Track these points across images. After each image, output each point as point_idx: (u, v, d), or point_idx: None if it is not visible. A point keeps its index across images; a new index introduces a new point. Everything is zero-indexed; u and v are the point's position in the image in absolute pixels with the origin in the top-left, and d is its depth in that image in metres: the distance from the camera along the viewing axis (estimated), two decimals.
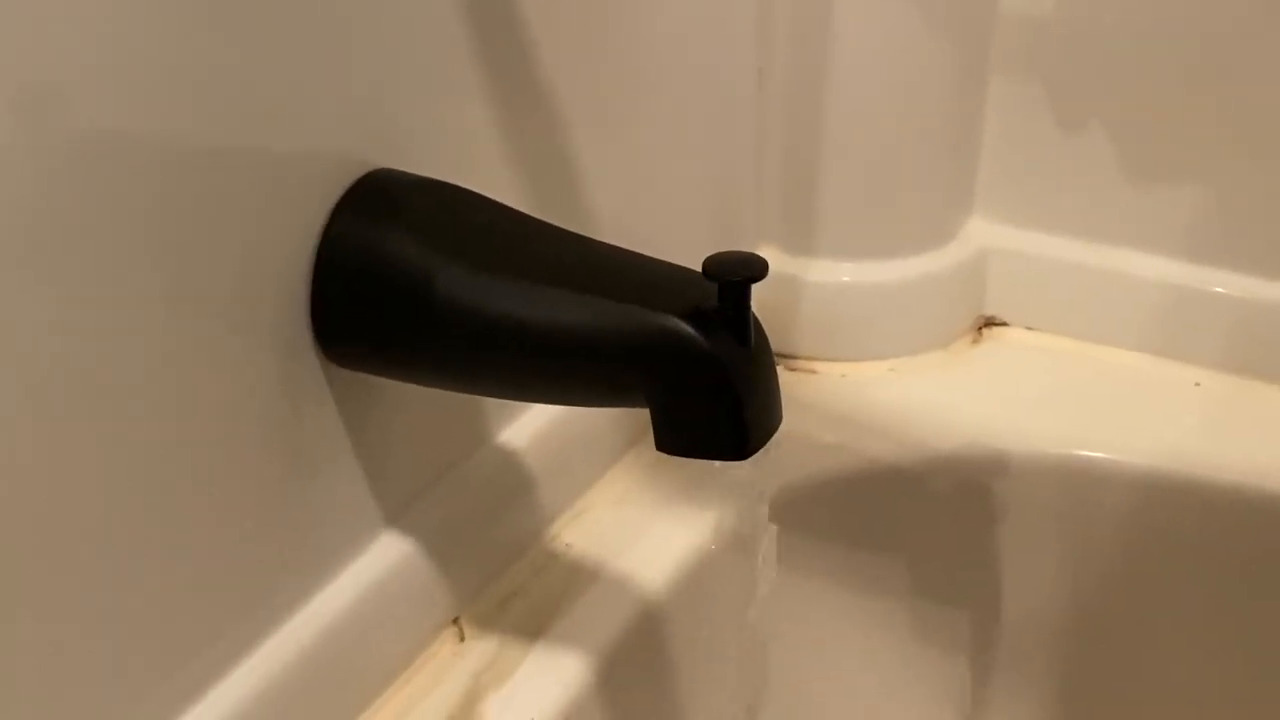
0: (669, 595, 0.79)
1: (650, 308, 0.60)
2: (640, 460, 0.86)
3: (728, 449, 0.61)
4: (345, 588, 0.68)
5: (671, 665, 0.80)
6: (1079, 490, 0.90)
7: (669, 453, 0.62)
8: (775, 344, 0.64)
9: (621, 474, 0.86)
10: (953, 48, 0.94)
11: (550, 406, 0.78)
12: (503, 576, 0.78)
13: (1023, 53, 0.94)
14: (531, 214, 0.66)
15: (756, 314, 0.61)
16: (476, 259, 0.62)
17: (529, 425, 0.79)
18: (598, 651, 0.74)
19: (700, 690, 0.82)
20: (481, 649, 0.74)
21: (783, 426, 0.63)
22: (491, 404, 0.76)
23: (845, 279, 0.96)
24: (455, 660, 0.73)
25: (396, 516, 0.71)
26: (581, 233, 0.65)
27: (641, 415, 0.62)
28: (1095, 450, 0.90)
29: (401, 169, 0.65)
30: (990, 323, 1.00)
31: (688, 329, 0.59)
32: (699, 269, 0.60)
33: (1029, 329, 1.00)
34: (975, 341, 0.99)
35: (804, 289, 0.96)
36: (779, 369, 0.64)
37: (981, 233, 0.99)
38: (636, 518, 0.83)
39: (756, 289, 0.60)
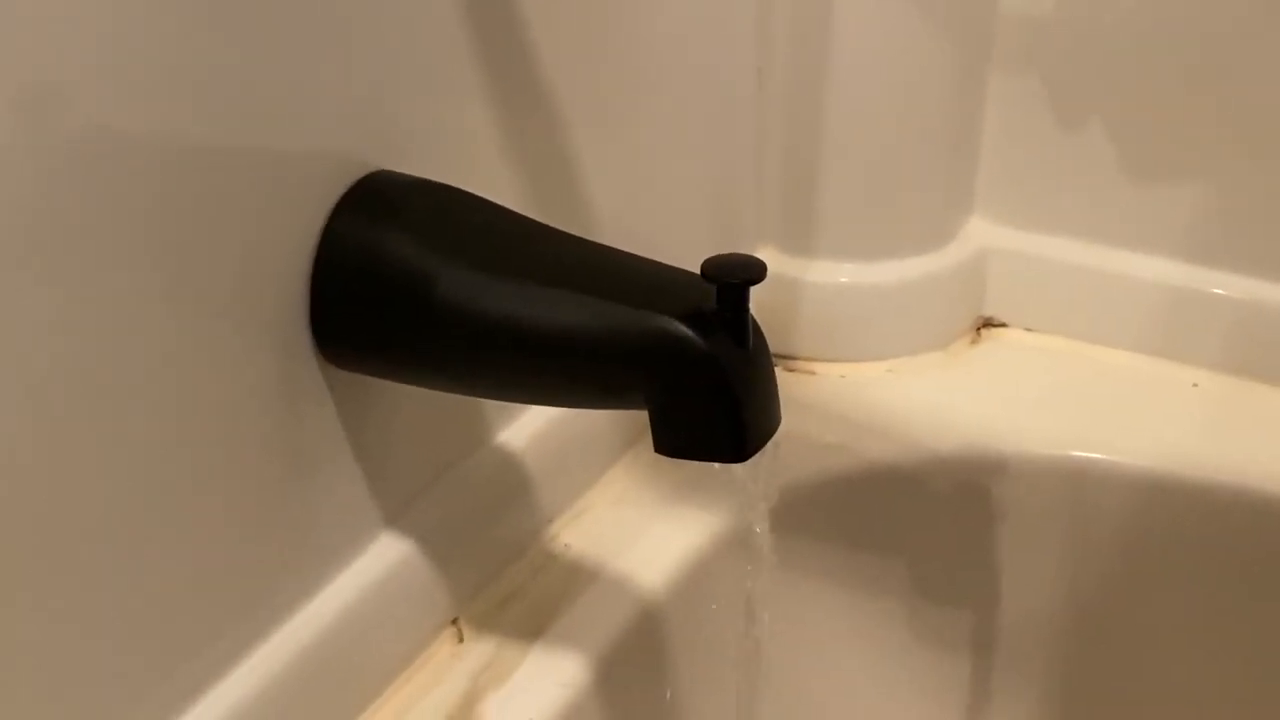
0: (668, 596, 0.79)
1: (649, 309, 0.60)
2: (639, 461, 0.86)
3: (726, 451, 0.61)
4: (344, 588, 0.68)
5: (670, 666, 0.80)
6: (1078, 491, 0.90)
7: (667, 454, 0.62)
8: (774, 345, 0.64)
9: (620, 474, 0.86)
10: (952, 48, 0.94)
11: (549, 407, 0.78)
12: (501, 577, 0.78)
13: (1022, 53, 0.94)
14: (531, 215, 0.66)
15: (755, 315, 0.61)
16: (475, 260, 0.62)
17: (528, 426, 0.79)
18: (596, 652, 0.74)
19: (699, 690, 0.82)
20: (480, 649, 0.74)
21: (782, 427, 0.63)
22: (490, 405, 0.76)
23: (844, 279, 0.96)
24: (454, 661, 0.73)
25: (395, 517, 0.71)
26: (581, 234, 0.65)
27: (640, 416, 0.62)
28: (1094, 451, 0.90)
29: (401, 170, 0.65)
30: (989, 323, 1.00)
31: (686, 331, 0.59)
32: (698, 270, 0.60)
33: (1028, 330, 1.00)
34: (974, 342, 0.99)
35: (803, 290, 0.96)
36: (778, 370, 0.64)
37: (981, 233, 0.99)
38: (635, 518, 0.83)
39: (755, 290, 0.60)
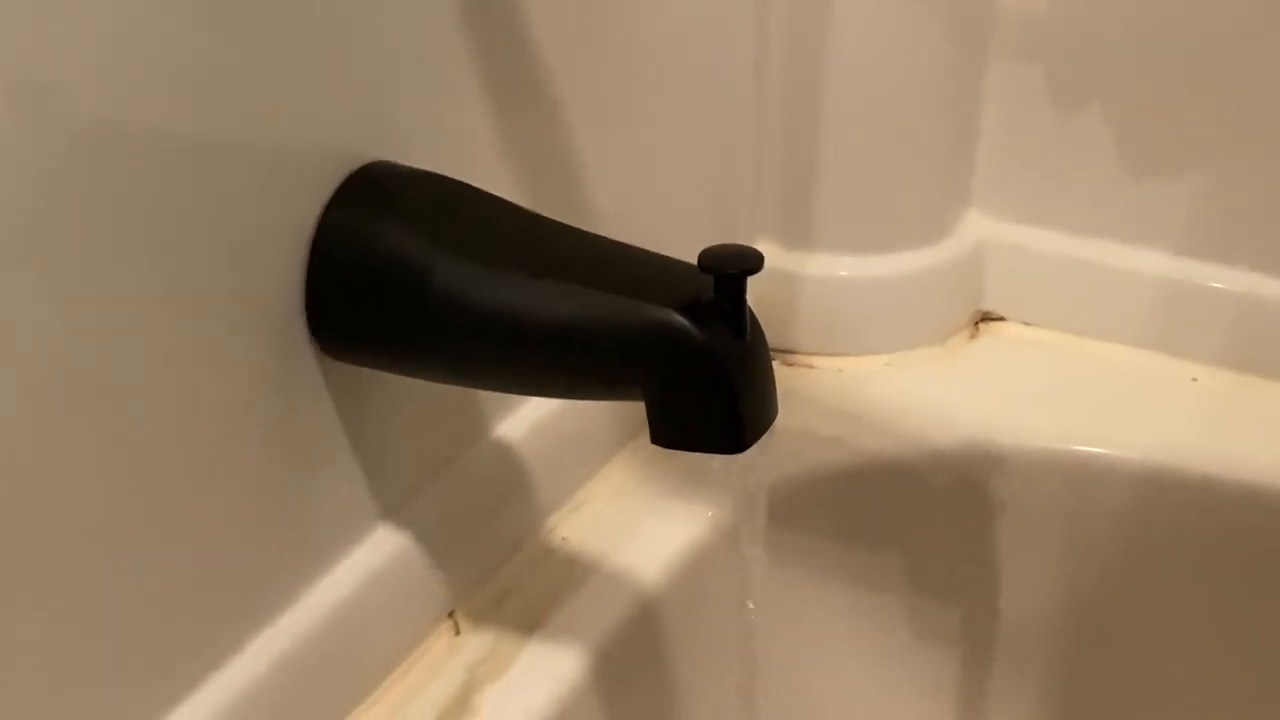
0: (666, 589, 0.79)
1: (646, 300, 0.60)
2: (637, 455, 0.86)
3: (723, 442, 0.61)
4: (341, 581, 0.68)
5: (668, 659, 0.80)
6: (1076, 485, 0.90)
7: (664, 446, 0.62)
8: (772, 339, 0.63)
9: (619, 468, 0.86)
10: (951, 42, 0.94)
11: (547, 400, 0.78)
12: (499, 571, 0.78)
13: (1021, 47, 0.94)
14: (529, 208, 0.66)
15: (753, 309, 0.61)
16: (472, 251, 0.62)
17: (526, 419, 0.78)
18: (594, 645, 0.74)
19: (697, 684, 0.82)
20: (477, 643, 0.74)
21: (780, 421, 0.63)
22: (488, 398, 0.76)
23: (843, 274, 0.96)
24: (451, 654, 0.73)
25: (393, 510, 0.71)
26: (579, 227, 0.65)
27: (638, 410, 0.62)
28: (1092, 445, 0.90)
29: (399, 162, 0.65)
30: (987, 318, 1.00)
31: (683, 321, 0.59)
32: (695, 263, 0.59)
33: (1026, 324, 1.00)
34: (972, 336, 0.99)
35: (801, 284, 0.96)
36: (776, 364, 0.64)
37: (979, 227, 0.99)
38: (633, 512, 0.83)
39: (753, 284, 0.59)
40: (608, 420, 0.85)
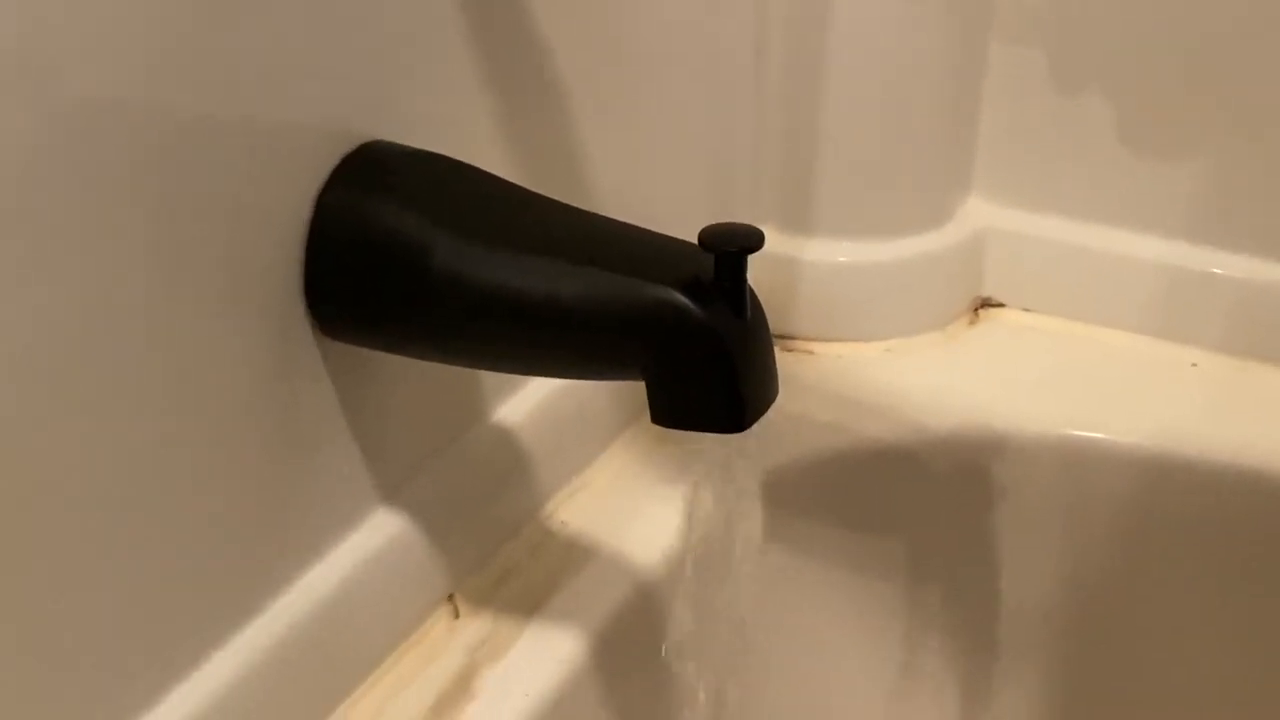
0: (665, 573, 0.79)
1: (646, 279, 0.60)
2: (638, 438, 0.86)
3: (724, 421, 0.61)
4: (340, 563, 0.68)
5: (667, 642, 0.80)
6: (1076, 471, 0.90)
7: (664, 425, 0.62)
8: (772, 324, 0.63)
9: (619, 452, 0.86)
10: (952, 27, 0.94)
11: (548, 382, 0.78)
12: (498, 553, 0.77)
13: (1022, 32, 0.94)
14: (528, 188, 0.66)
15: (753, 290, 0.60)
16: (472, 230, 0.61)
17: (526, 401, 0.78)
18: (593, 629, 0.74)
19: (695, 667, 0.81)
20: (476, 626, 0.74)
21: (779, 407, 0.63)
22: (488, 379, 0.76)
23: (842, 259, 0.96)
24: (450, 637, 0.73)
25: (392, 492, 0.71)
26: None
27: (639, 395, 0.62)
28: (1092, 431, 0.90)
29: (397, 141, 0.65)
30: (987, 303, 1.00)
31: (684, 300, 0.59)
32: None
33: (1026, 310, 0.99)
34: (972, 322, 0.99)
35: (801, 269, 0.96)
36: (775, 349, 0.64)
37: (979, 213, 0.99)
38: (633, 496, 0.83)
39: (753, 269, 0.59)
40: (609, 404, 0.85)
